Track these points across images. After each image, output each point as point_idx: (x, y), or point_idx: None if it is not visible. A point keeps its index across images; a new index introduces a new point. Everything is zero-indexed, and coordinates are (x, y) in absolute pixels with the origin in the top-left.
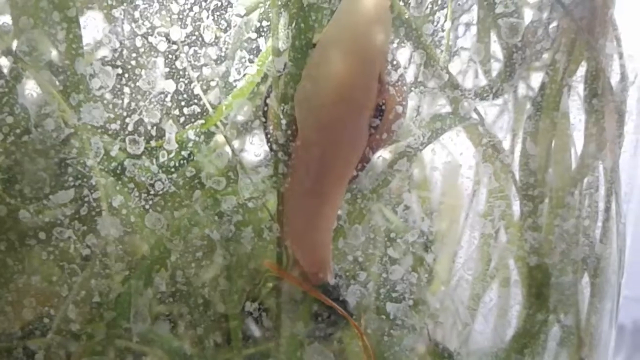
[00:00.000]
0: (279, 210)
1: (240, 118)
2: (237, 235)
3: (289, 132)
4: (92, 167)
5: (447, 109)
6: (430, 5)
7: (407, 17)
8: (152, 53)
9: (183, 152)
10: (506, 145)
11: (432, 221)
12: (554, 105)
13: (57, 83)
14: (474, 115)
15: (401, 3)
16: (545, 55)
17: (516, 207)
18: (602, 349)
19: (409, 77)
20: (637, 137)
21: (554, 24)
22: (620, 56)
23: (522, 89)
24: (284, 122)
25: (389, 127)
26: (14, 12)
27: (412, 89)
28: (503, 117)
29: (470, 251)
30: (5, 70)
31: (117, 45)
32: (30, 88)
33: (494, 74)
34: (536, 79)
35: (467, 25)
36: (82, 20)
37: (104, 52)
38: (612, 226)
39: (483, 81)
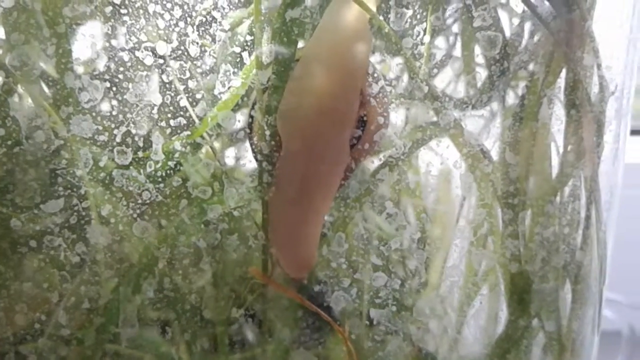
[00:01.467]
0: (264, 219)
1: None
2: (223, 243)
3: (273, 143)
4: (82, 177)
5: (434, 119)
6: (409, 20)
7: (387, 30)
8: (140, 67)
9: (170, 163)
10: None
11: (424, 227)
12: (532, 116)
13: (49, 95)
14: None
15: (381, 17)
16: (528, 67)
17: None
18: (584, 356)
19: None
20: (616, 147)
21: (532, 36)
22: (599, 67)
23: (510, 98)
24: (268, 133)
25: (370, 137)
26: (6, 28)
27: (394, 100)
28: (489, 126)
29: (456, 258)
30: None
31: (105, 60)
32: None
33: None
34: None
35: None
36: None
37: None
38: (593, 234)
39: (470, 91)
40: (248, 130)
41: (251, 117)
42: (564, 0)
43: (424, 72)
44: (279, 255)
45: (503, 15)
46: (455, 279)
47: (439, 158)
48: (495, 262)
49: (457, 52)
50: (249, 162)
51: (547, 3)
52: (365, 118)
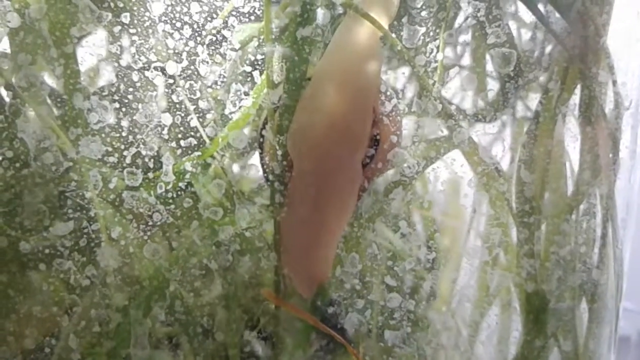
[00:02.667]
0: (276, 239)
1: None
2: (234, 265)
3: (285, 162)
4: (92, 199)
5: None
6: (422, 37)
7: (399, 48)
8: (149, 87)
9: (180, 184)
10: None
11: (434, 240)
12: (548, 133)
13: (56, 115)
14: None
15: (394, 35)
16: (539, 82)
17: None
18: None
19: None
20: (632, 164)
21: (547, 53)
22: (614, 84)
23: (520, 111)
24: (279, 153)
25: (384, 156)
26: (12, 48)
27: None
28: (500, 140)
29: (468, 276)
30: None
31: (114, 79)
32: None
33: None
34: (533, 99)
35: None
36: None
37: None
38: (609, 252)
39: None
40: (259, 151)
41: (262, 136)
42: (578, 17)
43: (437, 89)
44: (291, 275)
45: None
46: (466, 293)
47: (447, 170)
48: (509, 281)
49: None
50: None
51: (562, 19)
52: (378, 137)
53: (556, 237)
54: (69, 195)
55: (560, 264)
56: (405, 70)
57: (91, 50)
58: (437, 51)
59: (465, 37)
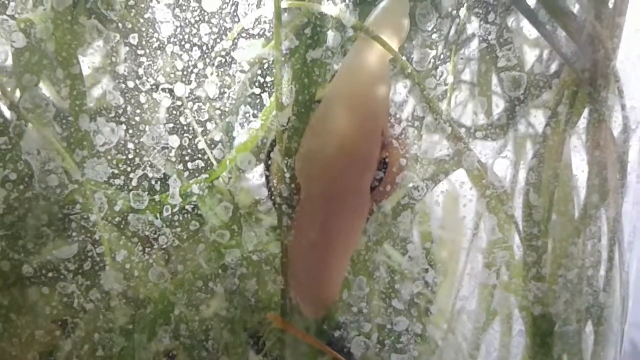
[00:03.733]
0: (283, 262)
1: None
2: (241, 288)
3: (293, 185)
4: (96, 222)
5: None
6: (432, 60)
7: (409, 71)
8: (156, 109)
9: (187, 207)
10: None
11: (431, 255)
12: (556, 156)
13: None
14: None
15: (404, 57)
16: (548, 104)
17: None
18: None
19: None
20: (639, 187)
21: (557, 76)
22: (623, 107)
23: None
24: (287, 175)
25: (392, 180)
26: (17, 69)
27: (415, 141)
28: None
29: (471, 298)
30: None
31: (121, 101)
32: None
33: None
34: (536, 116)
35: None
36: None
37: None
38: (616, 275)
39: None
40: (267, 173)
41: (269, 159)
42: (589, 40)
43: (447, 112)
44: (297, 299)
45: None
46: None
47: (447, 184)
48: (509, 301)
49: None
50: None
51: (572, 43)
52: (387, 160)
53: (564, 260)
54: (73, 218)
55: (568, 287)
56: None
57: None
58: (447, 74)
59: (473, 59)
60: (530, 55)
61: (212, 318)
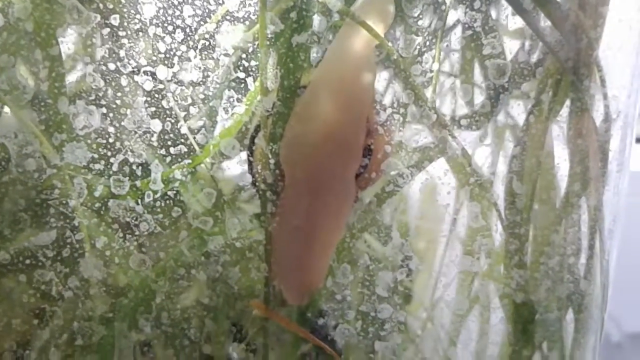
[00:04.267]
0: (267, 250)
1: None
2: (224, 276)
3: (277, 171)
4: (75, 207)
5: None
6: (418, 47)
7: (395, 57)
8: (138, 92)
9: (169, 192)
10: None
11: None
12: (539, 145)
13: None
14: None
15: (390, 44)
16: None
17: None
18: None
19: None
20: (619, 176)
21: (540, 64)
22: (605, 97)
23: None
24: (272, 161)
25: (378, 166)
26: None
27: (400, 128)
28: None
29: (451, 285)
30: None
31: (102, 84)
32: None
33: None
34: (514, 107)
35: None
36: None
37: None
38: (596, 263)
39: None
40: (250, 159)
41: (253, 144)
42: (572, 30)
43: (432, 99)
44: (281, 286)
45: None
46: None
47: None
48: (488, 289)
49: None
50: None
51: (556, 31)
52: (372, 146)
53: (546, 247)
54: (51, 204)
55: (549, 274)
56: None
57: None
58: (433, 61)
59: (458, 47)
60: (510, 45)
61: (194, 306)
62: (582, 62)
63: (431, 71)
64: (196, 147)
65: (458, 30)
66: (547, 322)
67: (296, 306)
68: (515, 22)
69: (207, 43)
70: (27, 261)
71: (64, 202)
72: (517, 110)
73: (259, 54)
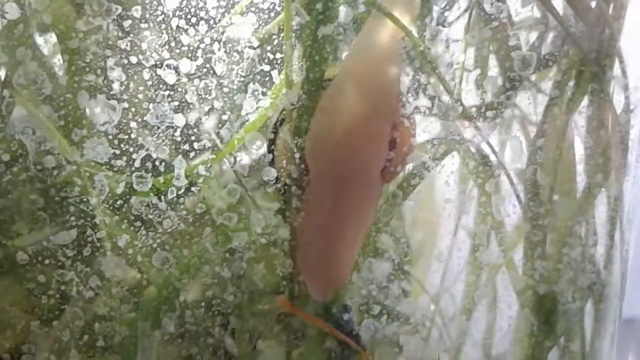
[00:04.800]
0: (292, 246)
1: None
2: (248, 273)
3: (303, 166)
4: (96, 205)
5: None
6: (445, 38)
7: (422, 49)
8: (161, 86)
9: (193, 189)
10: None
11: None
12: (562, 136)
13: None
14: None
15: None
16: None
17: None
18: None
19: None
20: (637, 165)
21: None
22: (626, 88)
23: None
24: (297, 155)
25: (403, 159)
26: (9, 42)
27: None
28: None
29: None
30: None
31: (124, 78)
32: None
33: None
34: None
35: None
36: None
37: None
38: (616, 253)
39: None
40: (272, 153)
41: (273, 138)
42: (596, 20)
43: (459, 91)
44: (306, 282)
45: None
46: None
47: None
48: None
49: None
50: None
51: (580, 22)
52: (397, 139)
53: (568, 239)
54: (71, 202)
55: (572, 265)
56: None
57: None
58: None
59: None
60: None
61: (219, 304)
62: (605, 53)
63: (457, 63)
64: (218, 142)
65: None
66: (569, 312)
67: (322, 302)
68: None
69: (231, 35)
70: (47, 261)
71: (84, 199)
72: (526, 101)
73: (284, 47)
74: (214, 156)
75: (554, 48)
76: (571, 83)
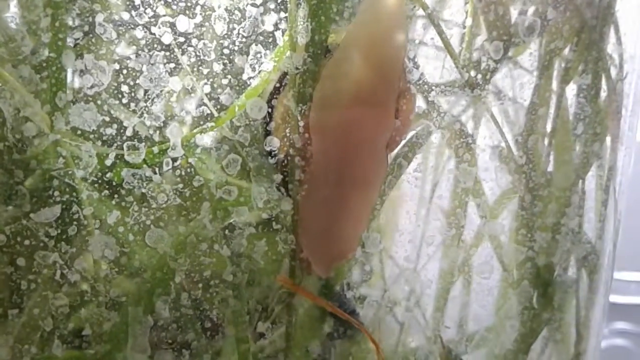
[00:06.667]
0: (295, 220)
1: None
2: (249, 250)
3: (307, 135)
4: (83, 178)
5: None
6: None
7: (429, 12)
8: (155, 46)
9: (191, 160)
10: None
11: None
12: (558, 105)
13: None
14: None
15: None
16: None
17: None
18: (597, 342)
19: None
20: (631, 135)
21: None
22: (621, 57)
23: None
24: (301, 124)
25: (408, 127)
26: None
27: (433, 87)
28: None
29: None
30: None
31: (114, 36)
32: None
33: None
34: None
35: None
36: None
37: None
38: (609, 223)
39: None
40: (268, 121)
41: (270, 106)
42: None
43: (465, 58)
44: (309, 257)
45: None
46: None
47: None
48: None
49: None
50: None
51: None
52: (404, 107)
53: (567, 209)
54: (55, 175)
55: (569, 235)
56: None
57: None
58: (466, 16)
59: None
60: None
61: (217, 284)
62: (604, 21)
63: (464, 27)
64: (211, 109)
65: None
66: (565, 283)
67: (325, 277)
68: None
69: None
70: (27, 242)
71: (70, 172)
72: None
73: (288, 5)
74: (212, 124)
75: (558, 14)
76: (566, 51)
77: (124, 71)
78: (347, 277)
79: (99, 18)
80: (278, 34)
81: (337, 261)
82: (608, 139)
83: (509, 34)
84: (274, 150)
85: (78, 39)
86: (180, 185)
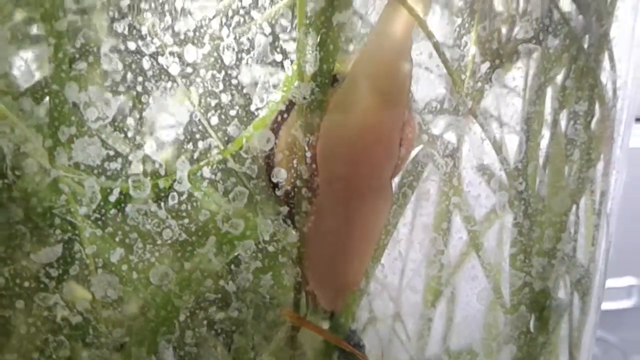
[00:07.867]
0: (301, 252)
1: None
2: (255, 285)
3: (314, 166)
4: (86, 216)
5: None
6: (457, 29)
7: (435, 41)
8: (162, 77)
9: (197, 193)
10: None
11: None
12: (554, 131)
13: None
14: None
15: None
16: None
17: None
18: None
19: None
20: (621, 157)
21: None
22: (614, 83)
23: None
24: (308, 155)
25: (408, 156)
26: None
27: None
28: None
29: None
30: None
31: (120, 67)
32: None
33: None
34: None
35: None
36: None
37: None
38: (601, 246)
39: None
40: (270, 152)
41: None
42: (597, 16)
43: (469, 86)
44: (315, 290)
45: None
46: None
47: None
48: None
49: None
50: None
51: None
52: (409, 135)
53: (562, 234)
54: (56, 213)
55: (564, 260)
56: None
57: None
58: (470, 45)
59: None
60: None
61: (222, 321)
62: (600, 49)
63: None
64: (215, 139)
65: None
66: (560, 307)
67: (331, 310)
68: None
69: (242, 20)
70: (26, 284)
71: (72, 209)
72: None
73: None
74: (219, 156)
75: (559, 42)
76: (560, 77)
77: (130, 103)
78: (355, 310)
79: (104, 48)
80: (287, 63)
81: (344, 294)
82: (600, 164)
83: (508, 59)
84: (281, 182)
85: (82, 69)
86: (186, 220)
